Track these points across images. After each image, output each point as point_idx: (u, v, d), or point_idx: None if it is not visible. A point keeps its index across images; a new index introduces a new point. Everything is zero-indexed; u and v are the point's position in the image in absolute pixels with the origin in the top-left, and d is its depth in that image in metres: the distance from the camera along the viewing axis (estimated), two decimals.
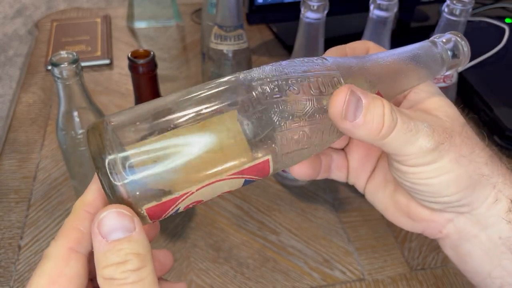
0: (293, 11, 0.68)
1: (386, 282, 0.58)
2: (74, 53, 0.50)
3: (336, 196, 0.69)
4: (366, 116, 0.26)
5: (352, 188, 0.73)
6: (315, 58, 0.28)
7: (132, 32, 1.06)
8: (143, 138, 0.24)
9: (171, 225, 0.64)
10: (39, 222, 0.64)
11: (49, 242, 0.63)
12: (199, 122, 0.25)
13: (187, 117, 0.25)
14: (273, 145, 0.25)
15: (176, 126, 0.25)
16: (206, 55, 0.68)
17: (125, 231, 0.23)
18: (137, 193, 0.24)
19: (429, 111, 0.29)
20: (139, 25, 1.07)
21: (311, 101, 0.26)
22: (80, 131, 0.54)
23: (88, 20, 1.07)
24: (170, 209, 0.25)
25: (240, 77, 0.27)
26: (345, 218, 0.66)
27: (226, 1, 0.61)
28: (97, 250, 0.23)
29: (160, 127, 0.25)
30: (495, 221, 0.28)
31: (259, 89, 0.26)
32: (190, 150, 0.24)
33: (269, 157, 0.26)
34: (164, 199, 0.24)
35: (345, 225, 0.65)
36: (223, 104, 0.25)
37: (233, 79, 0.27)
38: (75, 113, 0.53)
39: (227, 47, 0.64)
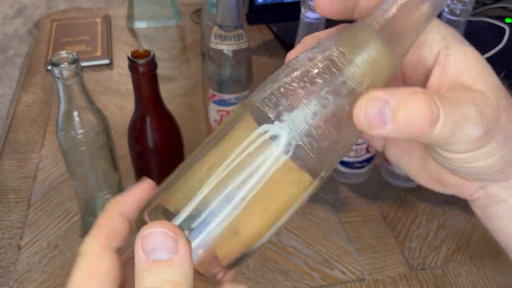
0: (293, 11, 0.68)
1: (386, 282, 0.58)
2: (74, 53, 0.50)
3: (336, 196, 0.69)
4: (398, 119, 0.23)
5: (352, 188, 0.73)
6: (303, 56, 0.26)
7: (132, 32, 1.06)
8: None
9: None
10: (39, 222, 0.64)
11: (49, 242, 0.64)
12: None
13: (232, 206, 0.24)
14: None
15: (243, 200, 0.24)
16: (206, 55, 0.68)
17: (167, 252, 0.22)
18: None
19: (470, 85, 0.26)
20: (139, 25, 1.07)
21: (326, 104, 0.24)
22: (80, 131, 0.54)
23: (88, 20, 1.07)
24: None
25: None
26: (345, 218, 0.66)
27: (226, 1, 0.61)
28: (137, 264, 0.23)
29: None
30: None
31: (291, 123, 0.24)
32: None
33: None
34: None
35: (345, 225, 0.65)
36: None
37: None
38: (75, 113, 0.53)
39: (227, 47, 0.64)
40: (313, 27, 0.57)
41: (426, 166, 0.31)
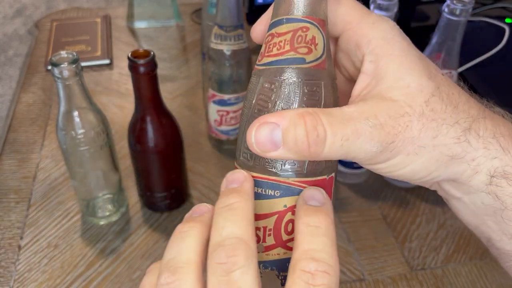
0: None
1: (386, 282, 0.58)
2: (74, 53, 0.50)
3: (336, 196, 0.69)
4: (287, 142, 0.24)
5: (352, 188, 0.73)
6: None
7: (132, 32, 1.06)
8: None
9: (171, 225, 0.64)
10: (39, 222, 0.64)
11: (49, 242, 0.63)
12: None
13: None
14: None
15: None
16: (206, 55, 0.68)
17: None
18: None
19: (385, 92, 0.25)
20: (139, 25, 1.07)
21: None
22: (80, 131, 0.54)
23: (88, 20, 1.07)
24: None
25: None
26: (345, 218, 0.66)
27: (226, 1, 0.61)
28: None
29: None
30: (476, 190, 0.27)
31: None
32: None
33: None
34: None
35: (345, 225, 0.65)
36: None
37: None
38: (75, 113, 0.53)
39: (227, 47, 0.64)
40: None
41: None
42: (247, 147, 0.25)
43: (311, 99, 0.25)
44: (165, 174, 0.61)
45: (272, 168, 0.26)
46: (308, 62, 0.25)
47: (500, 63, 0.87)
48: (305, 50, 0.25)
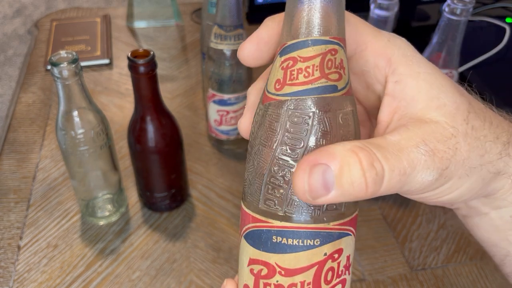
0: None
1: (386, 282, 0.58)
2: (74, 53, 0.50)
3: None
4: (341, 185, 0.21)
5: None
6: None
7: (132, 32, 1.06)
8: None
9: (171, 225, 0.63)
10: (38, 222, 0.64)
11: (49, 242, 0.63)
12: None
13: None
14: None
15: None
16: (206, 55, 0.68)
17: None
18: None
19: (423, 116, 0.24)
20: (139, 25, 1.07)
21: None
22: (80, 131, 0.54)
23: (87, 19, 1.07)
24: None
25: None
26: None
27: (226, 1, 0.60)
28: None
29: None
30: (508, 204, 0.26)
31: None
32: None
33: None
34: None
35: None
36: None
37: None
38: (75, 113, 0.53)
39: (227, 47, 0.64)
40: None
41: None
42: (275, 193, 0.23)
43: (347, 131, 0.23)
44: (165, 174, 0.61)
45: (310, 214, 0.23)
46: (340, 90, 0.22)
47: (501, 63, 0.87)
48: (336, 76, 0.22)
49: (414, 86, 0.24)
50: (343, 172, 0.21)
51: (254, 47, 0.26)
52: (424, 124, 0.23)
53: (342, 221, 0.23)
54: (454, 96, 0.24)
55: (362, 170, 0.21)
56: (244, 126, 0.27)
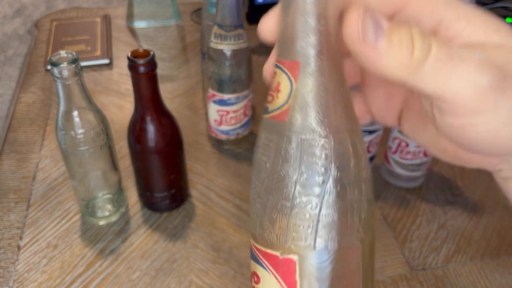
0: None
1: (386, 282, 0.58)
2: (74, 53, 0.50)
3: None
4: (391, 38, 0.20)
5: None
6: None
7: (132, 32, 1.06)
8: None
9: (171, 226, 0.63)
10: (38, 222, 0.64)
11: (49, 242, 0.63)
12: None
13: None
14: None
15: None
16: (206, 55, 0.68)
17: None
18: None
19: (487, 38, 0.22)
20: (139, 25, 1.07)
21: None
22: (80, 131, 0.54)
23: (87, 19, 1.07)
24: None
25: None
26: None
27: (226, 1, 0.61)
28: None
29: None
30: None
31: None
32: None
33: None
34: None
35: None
36: None
37: None
38: (75, 113, 0.53)
39: (227, 47, 0.64)
40: None
41: (441, 144, 0.28)
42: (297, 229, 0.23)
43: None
44: (165, 174, 0.61)
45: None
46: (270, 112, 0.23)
47: None
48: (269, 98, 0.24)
49: (474, 20, 0.23)
50: (393, 30, 0.20)
51: (274, 21, 0.25)
52: (487, 46, 0.22)
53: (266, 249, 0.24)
54: (506, 32, 0.22)
55: (411, 33, 0.20)
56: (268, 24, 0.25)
